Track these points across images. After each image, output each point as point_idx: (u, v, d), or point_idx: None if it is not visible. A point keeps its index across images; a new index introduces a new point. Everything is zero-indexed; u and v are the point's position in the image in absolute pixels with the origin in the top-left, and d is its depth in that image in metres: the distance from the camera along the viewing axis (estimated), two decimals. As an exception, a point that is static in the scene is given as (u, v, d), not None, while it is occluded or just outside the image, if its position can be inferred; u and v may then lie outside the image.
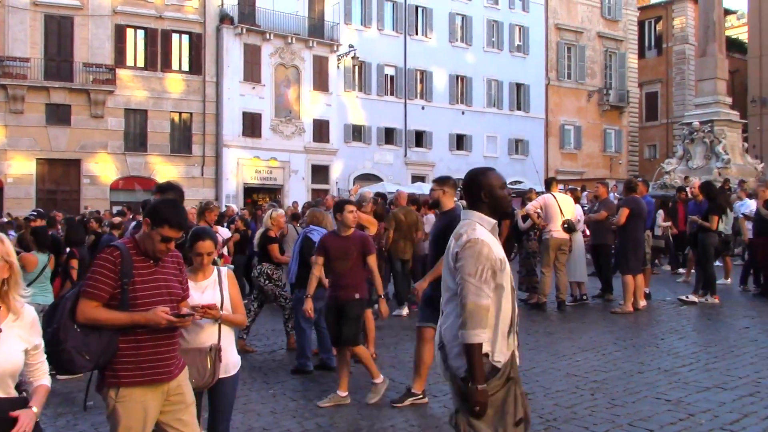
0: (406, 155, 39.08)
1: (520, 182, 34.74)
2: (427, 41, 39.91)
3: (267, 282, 8.80)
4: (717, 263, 12.84)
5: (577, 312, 10.97)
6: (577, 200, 12.84)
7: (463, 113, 40.94)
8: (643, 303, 10.88)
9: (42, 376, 3.13)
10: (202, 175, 33.40)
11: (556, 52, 44.83)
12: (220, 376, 4.21)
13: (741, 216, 14.64)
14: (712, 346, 8.11)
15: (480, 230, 3.22)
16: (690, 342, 8.49)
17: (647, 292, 11.58)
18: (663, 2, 53.10)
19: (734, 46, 50.89)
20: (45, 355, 3.17)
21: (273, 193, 34.32)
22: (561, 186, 15.08)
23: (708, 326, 9.59)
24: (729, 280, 13.45)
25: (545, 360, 7.69)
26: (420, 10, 39.81)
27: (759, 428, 5.25)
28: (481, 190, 3.33)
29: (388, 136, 38.76)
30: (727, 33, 42.47)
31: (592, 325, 9.89)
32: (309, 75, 35.69)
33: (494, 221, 3.31)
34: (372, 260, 6.53)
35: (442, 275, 3.40)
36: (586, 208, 13.64)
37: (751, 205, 14.24)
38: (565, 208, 11.04)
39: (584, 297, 11.62)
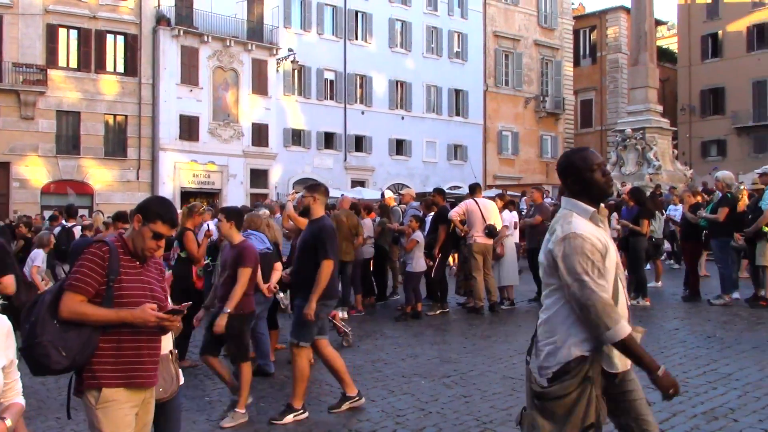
0: (345, 160, 39.07)
1: (458, 187, 35.14)
2: (367, 46, 40.02)
3: None
4: (647, 266, 13.19)
5: (514, 315, 11.14)
6: (509, 205, 13.05)
7: (402, 118, 41.16)
8: (576, 306, 11.06)
9: (16, 395, 2.92)
10: (138, 179, 32.76)
11: (494, 59, 45.47)
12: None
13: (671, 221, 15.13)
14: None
15: (576, 221, 2.96)
16: (622, 343, 8.68)
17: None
18: (597, 12, 54.46)
19: (665, 55, 52.55)
20: (18, 373, 2.95)
21: (211, 197, 33.88)
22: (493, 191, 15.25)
23: (639, 328, 9.81)
24: (659, 282, 13.83)
25: (482, 363, 7.77)
26: (360, 15, 39.90)
27: (687, 426, 5.40)
28: (569, 176, 3.07)
29: (328, 140, 38.70)
30: (658, 43, 43.80)
31: (528, 328, 10.02)
32: (248, 78, 35.40)
33: (592, 209, 3.00)
34: (240, 273, 6.06)
35: (540, 272, 3.18)
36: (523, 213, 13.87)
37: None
38: (488, 213, 11.21)
39: (512, 302, 11.81)
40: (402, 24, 41.50)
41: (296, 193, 11.82)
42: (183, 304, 3.68)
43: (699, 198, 13.17)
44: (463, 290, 11.85)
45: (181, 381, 4.18)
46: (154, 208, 3.50)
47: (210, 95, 34.20)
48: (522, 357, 7.95)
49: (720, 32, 49.37)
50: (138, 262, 3.48)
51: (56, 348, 3.18)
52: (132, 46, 32.55)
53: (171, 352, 4.03)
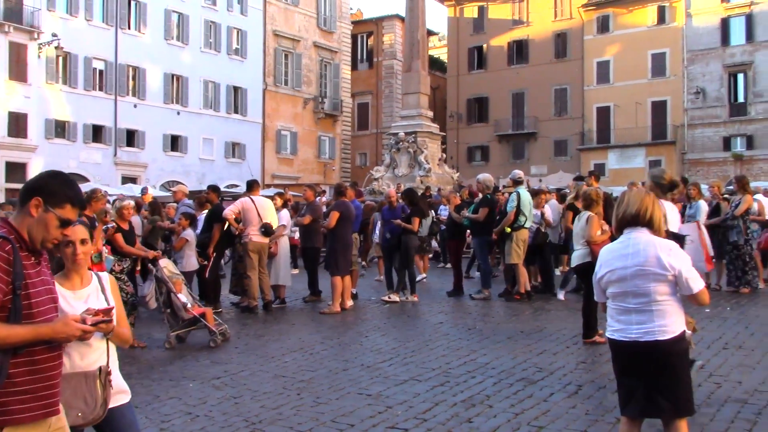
0: (116, 155, 37.03)
1: (236, 186, 34.61)
2: (141, 37, 38.21)
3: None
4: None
5: (287, 314, 11.13)
6: (286, 204, 13.06)
7: (178, 113, 39.81)
8: (350, 303, 11.33)
9: None
10: None
11: (274, 58, 45.38)
12: (110, 406, 3.28)
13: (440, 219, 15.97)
14: (410, 341, 8.65)
15: None
16: (391, 338, 8.98)
17: (354, 292, 12.10)
18: (374, 19, 56.28)
19: (436, 64, 55.48)
20: None
21: (-42, 192, 30.60)
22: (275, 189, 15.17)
23: (407, 323, 10.23)
24: (424, 275, 14.62)
25: (254, 362, 7.65)
26: (133, 3, 38.00)
27: (447, 414, 5.65)
28: None
29: (97, 133, 36.45)
30: (430, 52, 46.18)
31: (301, 326, 10.08)
32: (4, 63, 32.44)
33: None
34: None
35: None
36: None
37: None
38: (264, 211, 11.15)
39: (283, 300, 11.82)
40: (179, 16, 40.10)
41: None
42: (103, 308, 3.05)
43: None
44: (237, 289, 11.66)
45: (122, 402, 3.43)
46: (61, 189, 2.77)
47: (-42, 79, 30.88)
48: (294, 355, 7.98)
49: (485, 46, 53.03)
50: (34, 258, 2.72)
51: None
52: None
53: (101, 369, 3.25)
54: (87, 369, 3.21)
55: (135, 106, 37.77)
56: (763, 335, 8.49)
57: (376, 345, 8.50)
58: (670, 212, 6.77)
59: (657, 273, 3.85)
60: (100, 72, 36.64)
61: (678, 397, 3.87)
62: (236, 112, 43.16)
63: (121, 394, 3.41)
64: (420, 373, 7.00)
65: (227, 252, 12.64)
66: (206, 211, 11.78)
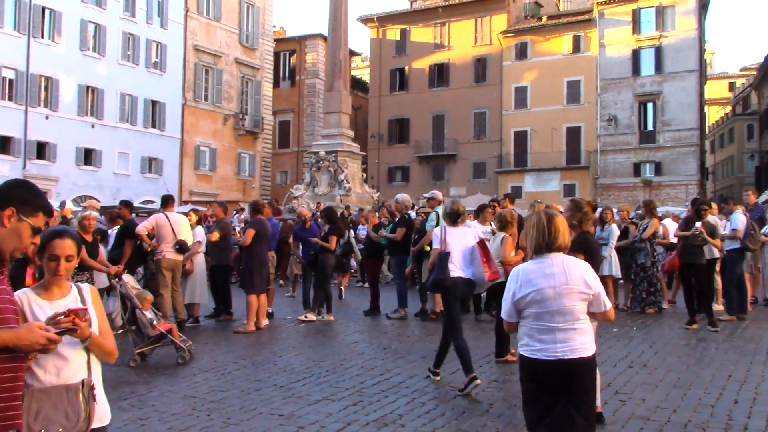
0: (25, 167, 35.62)
1: (152, 202, 33.78)
2: (55, 46, 37.03)
3: None
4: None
5: (200, 333, 10.89)
6: (201, 221, 12.85)
7: (93, 126, 38.68)
8: (265, 322, 11.18)
9: None
10: None
11: (194, 73, 44.70)
12: (93, 426, 3.03)
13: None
14: (325, 360, 8.58)
15: None
16: (306, 358, 8.88)
17: (270, 311, 11.95)
18: (297, 37, 56.31)
19: (358, 85, 55.90)
20: None
21: None
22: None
23: (322, 342, 10.15)
24: (343, 297, 14.58)
25: (163, 383, 7.45)
26: (47, 12, 36.81)
27: (359, 435, 5.63)
28: None
29: (5, 145, 35.02)
30: (353, 73, 46.48)
31: (213, 345, 9.87)
32: None
33: None
34: None
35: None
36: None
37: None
38: (178, 228, 10.93)
39: (197, 319, 11.59)
40: (96, 27, 39.06)
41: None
42: (69, 309, 2.87)
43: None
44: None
45: (103, 423, 3.16)
46: (33, 198, 2.71)
47: None
48: (205, 375, 7.80)
49: (407, 68, 53.74)
50: None
51: None
52: None
53: (84, 382, 3.03)
54: (67, 382, 3.01)
55: (47, 117, 36.51)
56: (666, 354, 8.80)
57: (290, 364, 8.39)
58: (463, 236, 7.46)
59: (582, 292, 3.93)
60: (10, 81, 35.29)
61: (590, 411, 3.97)
62: (154, 126, 42.23)
63: (102, 415, 3.15)
64: (333, 392, 6.95)
65: (139, 269, 12.27)
66: (118, 226, 11.46)
